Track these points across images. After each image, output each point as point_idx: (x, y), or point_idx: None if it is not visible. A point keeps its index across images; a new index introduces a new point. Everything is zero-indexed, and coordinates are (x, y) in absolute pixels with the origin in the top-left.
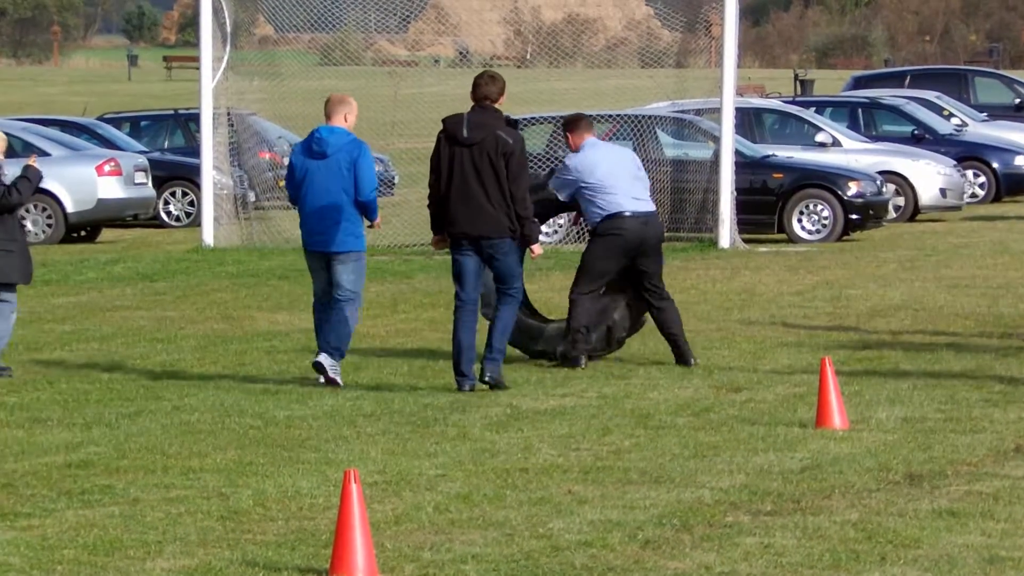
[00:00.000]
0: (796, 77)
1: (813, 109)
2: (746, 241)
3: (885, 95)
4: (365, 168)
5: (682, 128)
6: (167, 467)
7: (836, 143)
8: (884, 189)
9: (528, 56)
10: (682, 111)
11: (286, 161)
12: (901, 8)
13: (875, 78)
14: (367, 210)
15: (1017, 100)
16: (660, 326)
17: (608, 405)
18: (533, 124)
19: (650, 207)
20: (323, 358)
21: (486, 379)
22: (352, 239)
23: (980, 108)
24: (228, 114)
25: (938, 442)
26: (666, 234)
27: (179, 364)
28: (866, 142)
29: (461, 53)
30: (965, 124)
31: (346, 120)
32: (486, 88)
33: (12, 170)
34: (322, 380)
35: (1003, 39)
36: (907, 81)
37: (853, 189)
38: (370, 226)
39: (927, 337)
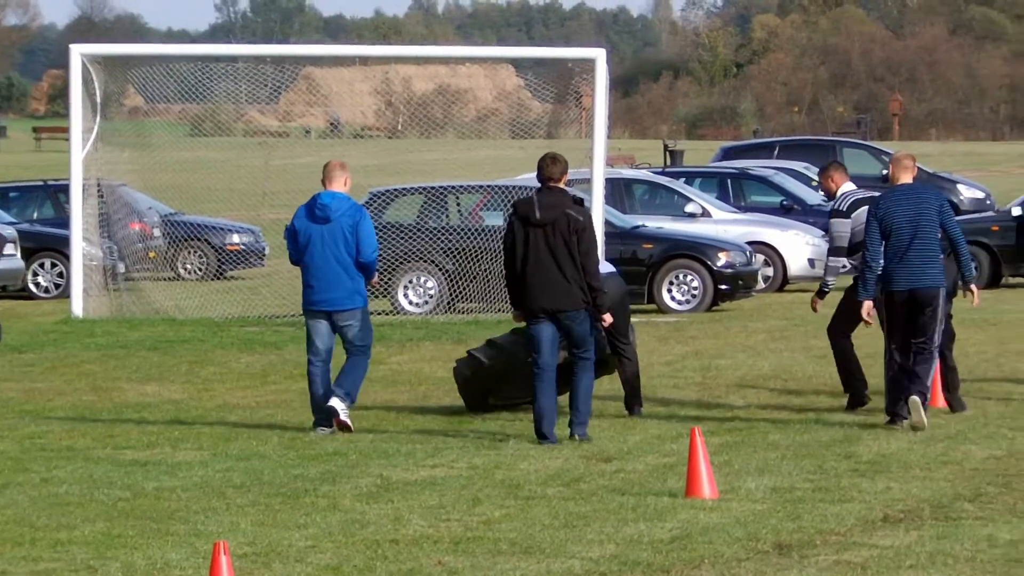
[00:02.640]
0: (666, 148)
1: (683, 179)
2: None
3: (754, 166)
4: (366, 231)
5: None
6: (35, 540)
7: (705, 213)
8: (753, 259)
9: (399, 127)
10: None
11: (156, 232)
12: (770, 79)
13: (744, 149)
14: (368, 270)
15: (884, 171)
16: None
17: (478, 476)
18: (404, 195)
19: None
20: (335, 401)
21: (576, 438)
22: (357, 297)
23: (853, 180)
24: (98, 185)
25: (807, 512)
26: None
27: (48, 436)
28: (735, 212)
29: (332, 124)
30: None
31: (345, 185)
32: (550, 169)
33: None
34: (327, 431)
35: (870, 110)
36: (776, 152)
37: (723, 259)
38: (368, 284)
39: (796, 407)
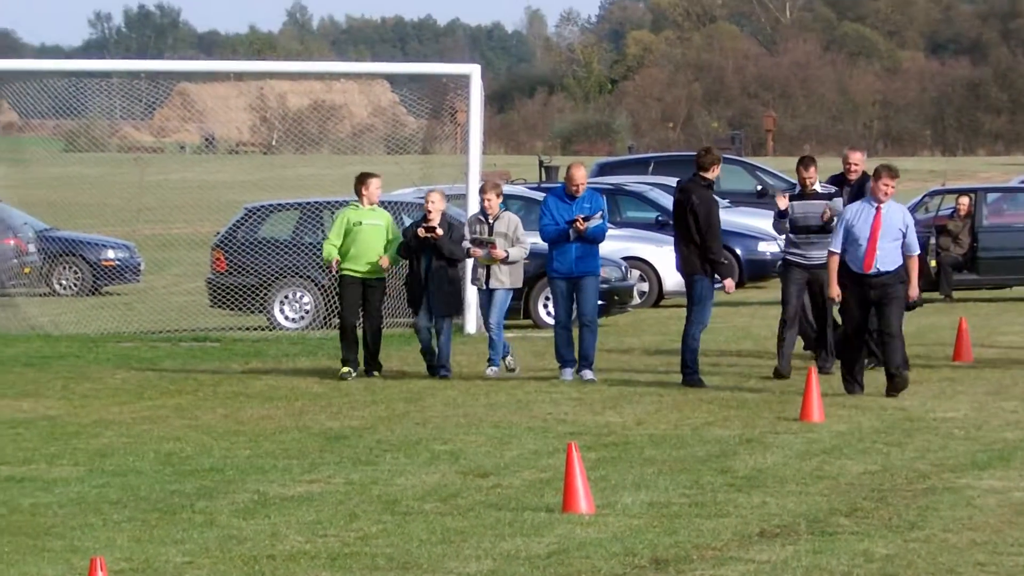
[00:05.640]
0: (541, 163)
1: None
2: None
3: (629, 181)
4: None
5: None
6: None
7: None
8: (629, 275)
9: (274, 142)
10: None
11: (31, 248)
12: (644, 95)
13: (619, 164)
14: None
15: (759, 187)
16: None
17: (355, 491)
18: (280, 210)
19: None
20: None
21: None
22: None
23: (723, 195)
24: None
25: (683, 526)
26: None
27: None
28: (611, 227)
29: (207, 140)
30: None
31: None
32: (699, 159)
33: None
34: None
35: (744, 126)
36: (651, 167)
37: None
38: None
39: (672, 422)
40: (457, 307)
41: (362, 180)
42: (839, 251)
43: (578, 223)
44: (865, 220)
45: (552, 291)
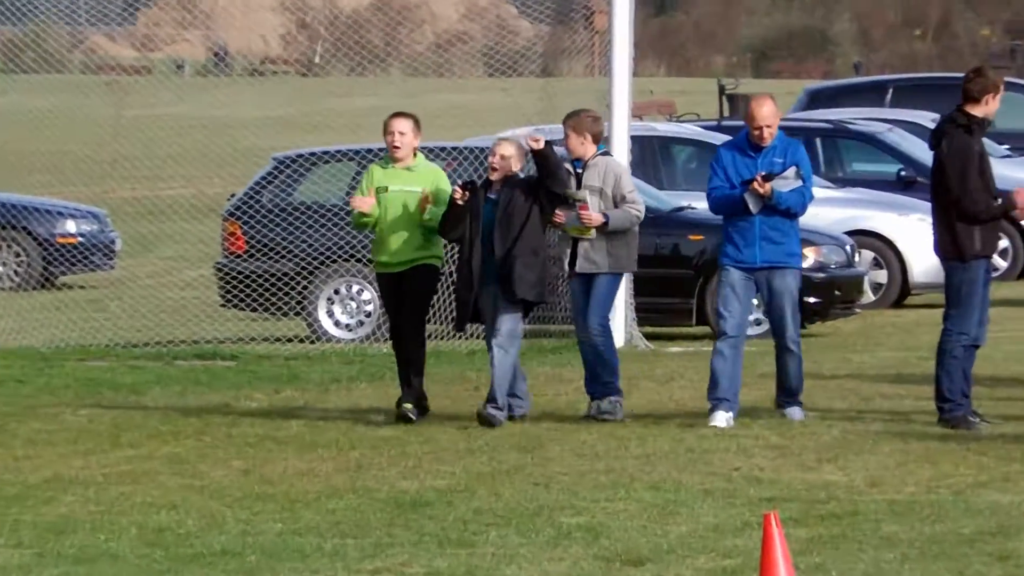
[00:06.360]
0: (722, 91)
1: None
2: (649, 337)
3: (857, 118)
4: None
5: None
6: None
7: None
8: (857, 258)
9: (318, 59)
10: (554, 141)
11: None
12: None
13: (841, 92)
14: None
15: None
16: None
17: None
18: (326, 162)
19: None
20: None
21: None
22: None
23: (998, 137)
24: None
25: None
26: (532, 327)
27: None
28: (829, 188)
29: (217, 54)
30: None
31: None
32: (966, 85)
33: None
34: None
35: None
36: (889, 97)
37: (810, 258)
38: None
39: (924, 483)
40: (533, 290)
41: (385, 126)
42: None
43: (756, 184)
44: None
45: (720, 285)
